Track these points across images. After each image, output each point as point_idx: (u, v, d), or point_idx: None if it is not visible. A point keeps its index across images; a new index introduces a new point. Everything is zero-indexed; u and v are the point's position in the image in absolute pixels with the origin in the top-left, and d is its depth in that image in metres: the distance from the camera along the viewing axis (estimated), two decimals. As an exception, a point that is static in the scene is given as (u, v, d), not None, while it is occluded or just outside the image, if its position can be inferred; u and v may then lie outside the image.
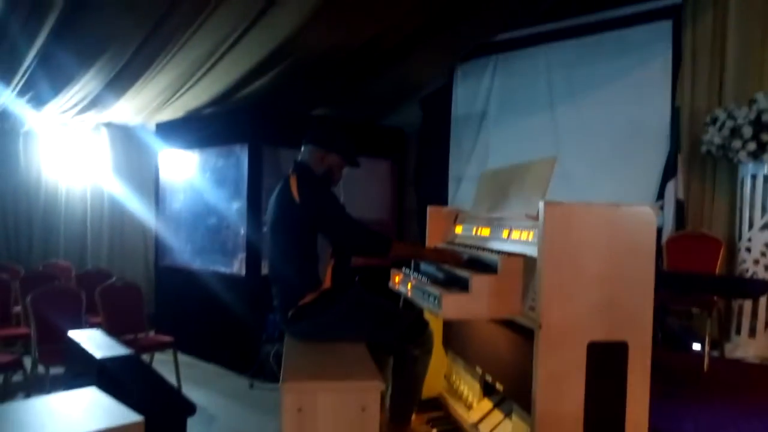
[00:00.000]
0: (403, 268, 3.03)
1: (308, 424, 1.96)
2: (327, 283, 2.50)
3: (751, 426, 3.01)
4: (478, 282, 2.19)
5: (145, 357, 4.47)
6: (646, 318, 2.12)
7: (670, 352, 4.43)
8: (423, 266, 2.96)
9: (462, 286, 2.27)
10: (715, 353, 4.32)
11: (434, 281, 2.51)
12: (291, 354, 2.34)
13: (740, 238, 4.42)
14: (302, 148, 2.69)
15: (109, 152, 7.05)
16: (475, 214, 3.03)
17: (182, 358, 4.84)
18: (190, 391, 4.08)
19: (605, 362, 2.07)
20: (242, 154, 5.55)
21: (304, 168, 2.60)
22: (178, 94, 5.93)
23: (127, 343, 3.60)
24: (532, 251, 2.18)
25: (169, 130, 6.48)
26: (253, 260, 5.45)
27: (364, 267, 2.84)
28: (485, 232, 2.78)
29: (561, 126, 5.54)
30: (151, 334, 4.83)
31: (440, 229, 3.34)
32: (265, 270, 5.46)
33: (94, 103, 6.01)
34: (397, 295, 2.95)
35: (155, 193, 6.73)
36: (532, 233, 2.30)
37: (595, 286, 2.05)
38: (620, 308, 2.08)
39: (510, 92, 6.03)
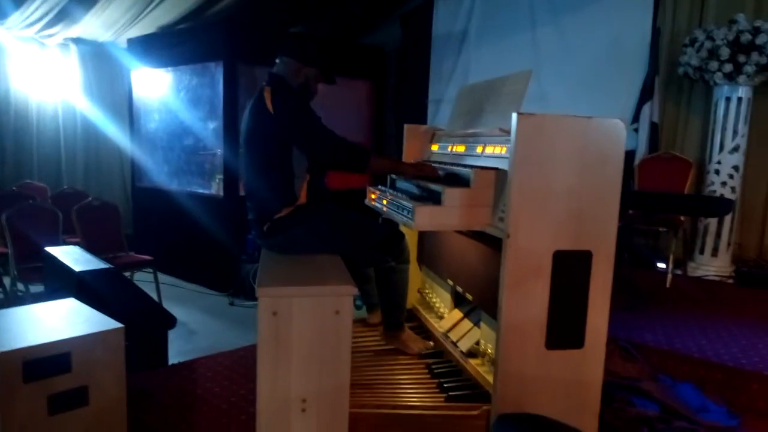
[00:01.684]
0: (379, 186, 3.07)
1: (283, 327, 2.04)
2: (302, 198, 2.51)
3: (706, 336, 3.20)
4: (451, 195, 2.23)
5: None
6: (611, 228, 2.18)
7: (636, 270, 4.61)
8: (399, 183, 3.00)
9: (435, 199, 2.31)
10: (679, 271, 4.50)
11: (409, 196, 2.55)
12: (266, 264, 2.39)
13: (710, 160, 4.52)
14: (277, 61, 2.63)
15: (79, 70, 6.81)
16: (451, 131, 3.04)
17: (162, 277, 4.91)
18: (171, 309, 4.16)
19: (570, 270, 2.14)
20: (217, 72, 5.42)
21: (280, 80, 2.55)
22: (148, 9, 5.70)
23: (105, 261, 3.63)
24: (504, 164, 2.22)
25: (141, 46, 6.26)
26: (231, 181, 5.44)
27: (342, 189, 2.86)
28: (461, 148, 2.80)
29: (541, 47, 5.48)
30: (130, 254, 4.86)
31: (417, 148, 3.35)
32: (243, 191, 5.46)
33: (60, 17, 5.76)
34: (373, 213, 3.00)
35: (129, 113, 6.60)
36: (505, 147, 2.33)
37: (564, 197, 2.09)
38: (586, 218, 2.13)
39: (491, 11, 5.89)
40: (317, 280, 2.13)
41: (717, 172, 4.44)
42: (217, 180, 5.69)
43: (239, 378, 2.95)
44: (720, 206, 3.78)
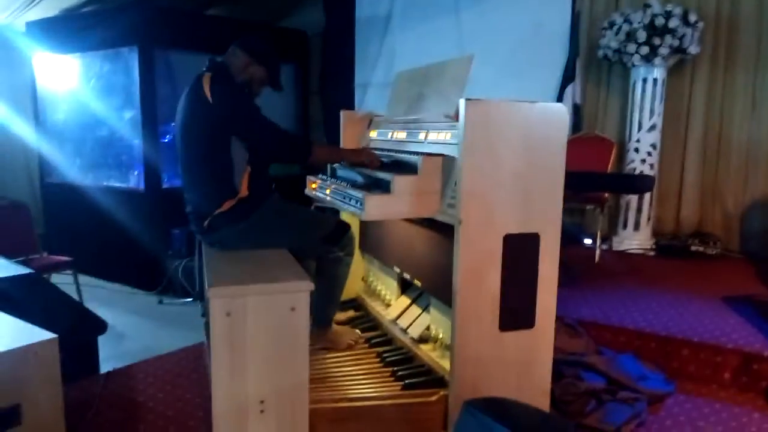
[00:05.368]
0: (320, 175, 3.00)
1: (238, 327, 1.95)
2: (244, 191, 2.40)
3: (637, 305, 3.38)
4: (400, 183, 2.21)
5: (42, 279, 4.20)
6: (557, 210, 2.25)
7: (565, 247, 4.78)
8: (341, 172, 2.94)
9: (383, 187, 2.29)
10: (604, 246, 4.73)
11: (354, 185, 2.50)
12: (213, 262, 2.27)
13: (629, 139, 4.75)
14: (229, 49, 2.50)
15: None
16: (390, 117, 3.00)
17: (83, 279, 4.60)
18: (96, 312, 3.93)
19: (519, 253, 2.19)
20: (132, 58, 5.10)
21: (222, 68, 2.43)
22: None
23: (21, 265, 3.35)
24: (449, 151, 2.22)
25: (43, 30, 5.77)
26: (152, 173, 5.17)
27: (280, 176, 2.77)
28: (402, 135, 2.77)
29: (466, 30, 5.53)
30: (45, 255, 4.51)
31: (354, 135, 3.29)
32: (166, 183, 5.23)
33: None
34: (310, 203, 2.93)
35: (32, 103, 6.09)
36: (449, 133, 2.32)
37: (512, 181, 2.12)
38: (533, 202, 2.18)
39: (415, -6, 5.89)
40: (271, 277, 2.05)
41: (636, 150, 4.67)
42: (136, 172, 5.39)
43: (183, 381, 2.82)
44: (644, 183, 3.99)
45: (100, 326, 3.13)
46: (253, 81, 2.51)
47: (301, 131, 6.56)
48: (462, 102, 2.05)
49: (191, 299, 4.88)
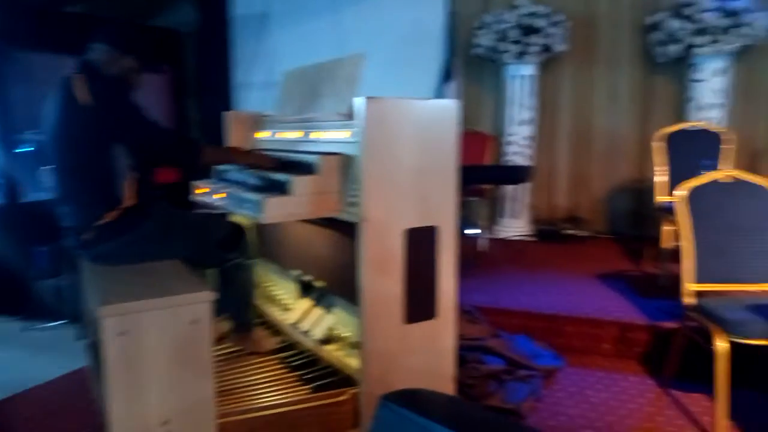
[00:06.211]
0: (208, 180, 2.86)
1: (134, 346, 1.80)
2: (128, 200, 2.23)
3: (523, 289, 3.60)
4: (299, 183, 2.17)
5: None
6: (451, 204, 2.32)
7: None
8: (232, 175, 2.83)
9: (281, 189, 2.23)
10: (488, 235, 4.96)
11: (248, 188, 2.42)
12: (98, 279, 2.09)
13: (505, 133, 5.02)
14: (89, 47, 2.31)
15: None
16: (281, 117, 2.93)
17: (-69, 309, 4.07)
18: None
19: (419, 246, 2.23)
20: (-22, 59, 4.58)
21: (93, 68, 2.24)
22: None
23: None
24: (346, 149, 2.21)
25: None
26: (10, 186, 4.68)
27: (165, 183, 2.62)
28: (295, 134, 2.72)
29: (346, 29, 5.56)
30: None
31: (241, 136, 3.18)
32: (26, 197, 4.77)
33: None
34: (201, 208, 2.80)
35: None
36: (347, 132, 2.31)
37: (410, 177, 2.16)
38: (430, 196, 2.23)
39: (292, -7, 5.82)
40: (167, 290, 1.92)
41: (512, 143, 4.95)
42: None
43: (63, 413, 2.58)
44: (523, 173, 4.23)
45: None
46: (127, 73, 2.35)
47: (180, 133, 6.25)
48: (361, 100, 2.06)
49: (62, 322, 4.48)
